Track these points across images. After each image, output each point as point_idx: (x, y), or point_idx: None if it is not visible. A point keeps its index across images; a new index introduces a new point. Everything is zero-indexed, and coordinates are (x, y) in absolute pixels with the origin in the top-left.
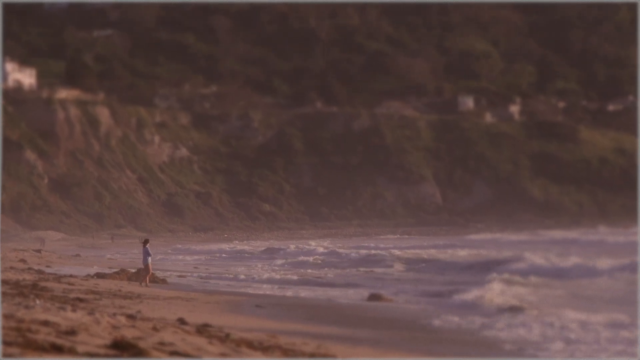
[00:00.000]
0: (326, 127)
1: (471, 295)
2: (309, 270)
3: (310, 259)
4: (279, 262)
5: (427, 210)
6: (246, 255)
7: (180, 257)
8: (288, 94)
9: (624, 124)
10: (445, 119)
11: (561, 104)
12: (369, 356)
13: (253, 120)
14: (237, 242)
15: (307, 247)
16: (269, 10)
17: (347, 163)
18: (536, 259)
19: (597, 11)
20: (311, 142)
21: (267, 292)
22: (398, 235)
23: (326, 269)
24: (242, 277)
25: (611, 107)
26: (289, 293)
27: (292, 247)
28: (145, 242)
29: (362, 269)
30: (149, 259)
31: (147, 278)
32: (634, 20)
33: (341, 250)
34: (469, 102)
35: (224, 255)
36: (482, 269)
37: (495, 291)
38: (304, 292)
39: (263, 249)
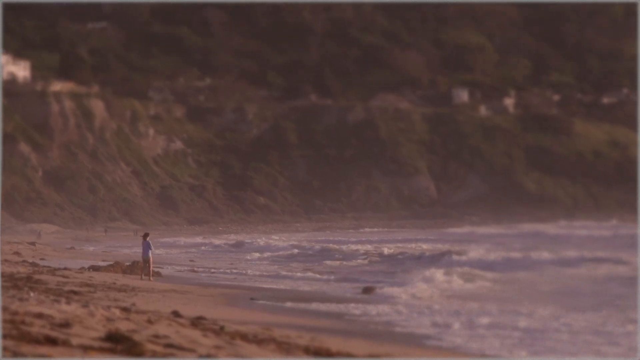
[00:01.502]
0: (321, 120)
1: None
2: (275, 266)
3: (279, 253)
4: (256, 256)
5: (421, 203)
6: (223, 249)
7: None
8: (282, 87)
9: (618, 117)
10: (440, 112)
11: (556, 97)
12: (362, 349)
13: (247, 113)
14: (208, 235)
15: (272, 241)
16: (263, 3)
17: (341, 156)
18: (483, 253)
19: (591, 4)
20: (306, 135)
21: (261, 285)
22: (378, 229)
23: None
24: (234, 271)
25: (605, 100)
26: (282, 286)
27: (262, 241)
28: (146, 235)
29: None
30: (150, 252)
31: (150, 272)
32: (628, 13)
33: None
34: (463, 95)
35: (202, 248)
36: (423, 263)
37: (415, 285)
38: (297, 285)
39: (232, 242)
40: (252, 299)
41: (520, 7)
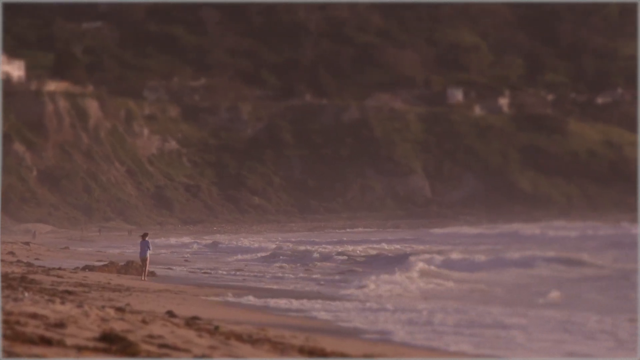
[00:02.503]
0: (316, 119)
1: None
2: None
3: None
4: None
5: (417, 203)
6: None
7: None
8: (277, 86)
9: (612, 116)
10: (435, 112)
11: (550, 97)
12: (357, 349)
13: (242, 113)
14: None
15: (248, 243)
16: (258, 2)
17: (336, 155)
18: (446, 253)
19: (585, 4)
20: (301, 135)
21: (255, 285)
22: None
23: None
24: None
25: (600, 100)
26: (276, 286)
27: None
28: (145, 235)
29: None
30: (148, 252)
31: (146, 272)
32: (623, 13)
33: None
34: (458, 95)
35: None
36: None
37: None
38: (291, 287)
39: (209, 243)
40: (245, 298)
41: (515, 7)
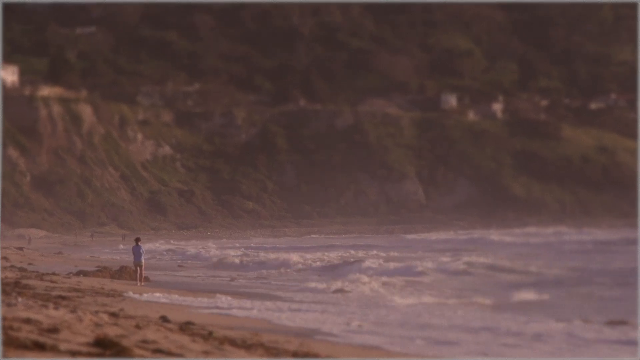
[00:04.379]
0: (309, 124)
1: None
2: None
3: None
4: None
5: (410, 208)
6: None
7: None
8: (271, 91)
9: (606, 122)
10: (428, 117)
11: (543, 102)
12: (350, 353)
13: (236, 118)
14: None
15: (203, 250)
16: (251, 7)
17: (330, 161)
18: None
19: (579, 9)
20: (294, 140)
21: (248, 291)
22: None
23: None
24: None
25: (593, 106)
26: (271, 292)
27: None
28: (137, 240)
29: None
30: (142, 257)
31: (142, 276)
32: (617, 18)
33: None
34: (451, 100)
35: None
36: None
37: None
38: (284, 293)
39: (165, 249)
40: (238, 302)
41: (508, 12)
